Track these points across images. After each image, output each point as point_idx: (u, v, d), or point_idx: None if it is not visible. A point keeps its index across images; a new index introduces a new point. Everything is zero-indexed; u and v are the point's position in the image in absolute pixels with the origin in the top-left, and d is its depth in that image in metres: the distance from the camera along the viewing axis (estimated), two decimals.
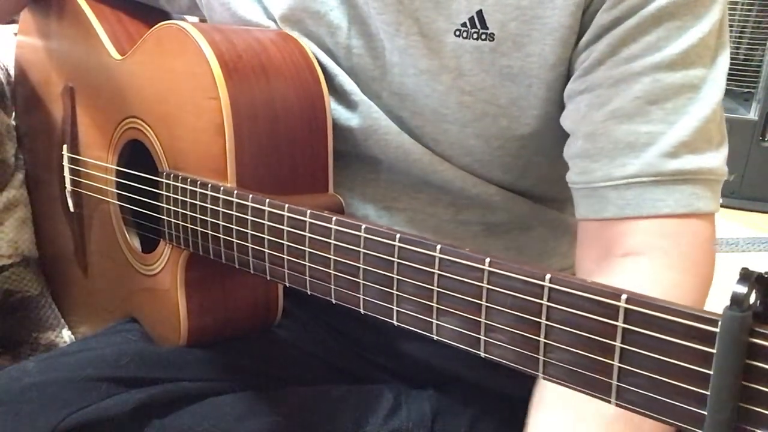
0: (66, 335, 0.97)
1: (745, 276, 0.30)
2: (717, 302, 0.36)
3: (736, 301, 0.30)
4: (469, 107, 0.66)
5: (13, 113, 1.00)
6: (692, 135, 0.58)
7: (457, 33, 0.63)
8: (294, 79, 0.66)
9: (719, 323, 0.30)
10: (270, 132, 0.64)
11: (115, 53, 0.76)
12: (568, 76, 0.63)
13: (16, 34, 0.97)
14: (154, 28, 0.68)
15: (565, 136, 0.64)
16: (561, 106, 0.64)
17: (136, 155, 0.74)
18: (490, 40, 0.63)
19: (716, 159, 0.59)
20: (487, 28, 0.62)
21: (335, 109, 0.70)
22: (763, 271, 0.31)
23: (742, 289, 0.30)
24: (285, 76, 0.66)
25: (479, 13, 0.62)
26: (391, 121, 0.69)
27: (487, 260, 0.39)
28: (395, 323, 0.45)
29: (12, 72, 0.99)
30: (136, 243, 0.76)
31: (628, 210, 0.59)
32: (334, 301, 0.49)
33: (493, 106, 0.65)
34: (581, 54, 0.61)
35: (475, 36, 0.63)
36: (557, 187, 0.64)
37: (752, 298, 0.30)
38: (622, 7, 0.58)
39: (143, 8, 0.87)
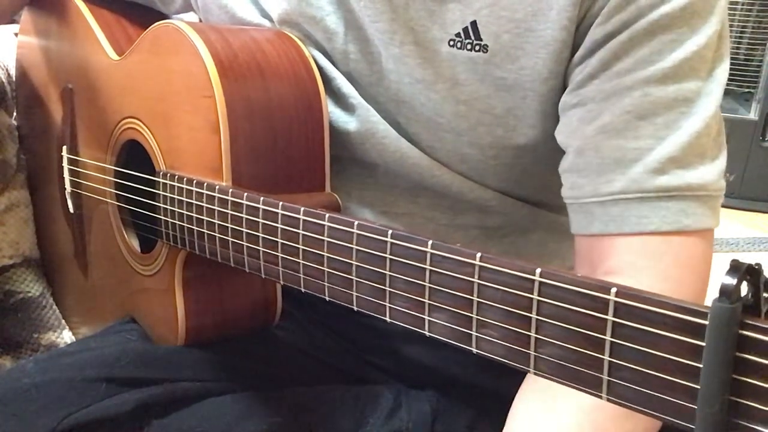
0: (67, 336, 0.97)
1: (735, 267, 0.30)
2: None
3: (725, 292, 0.29)
4: (464, 116, 0.65)
5: (14, 113, 1.01)
6: (682, 150, 0.56)
7: (451, 43, 0.63)
8: (290, 77, 0.66)
9: (708, 315, 0.30)
10: (266, 130, 0.63)
11: (112, 54, 0.77)
12: (562, 90, 0.62)
13: (16, 34, 0.98)
14: (150, 27, 0.68)
15: (561, 147, 0.64)
16: (556, 119, 0.63)
17: (134, 155, 0.74)
18: (483, 52, 0.62)
19: (710, 173, 0.57)
20: (481, 40, 0.62)
21: (333, 112, 0.70)
22: (753, 263, 0.30)
23: (731, 281, 0.29)
24: (281, 75, 0.66)
25: (473, 24, 0.62)
26: (389, 125, 0.69)
27: (478, 255, 0.39)
28: (387, 320, 0.45)
29: (12, 72, 0.99)
30: (134, 243, 0.76)
31: (612, 226, 0.58)
32: (327, 299, 0.49)
33: (488, 116, 0.65)
34: (575, 68, 0.60)
35: (468, 47, 0.62)
36: (554, 194, 0.64)
37: (743, 290, 0.30)
38: (614, 22, 0.57)
39: (141, 9, 0.87)
